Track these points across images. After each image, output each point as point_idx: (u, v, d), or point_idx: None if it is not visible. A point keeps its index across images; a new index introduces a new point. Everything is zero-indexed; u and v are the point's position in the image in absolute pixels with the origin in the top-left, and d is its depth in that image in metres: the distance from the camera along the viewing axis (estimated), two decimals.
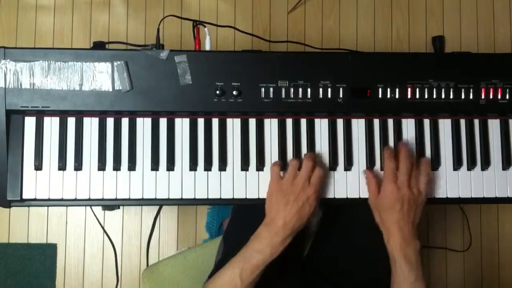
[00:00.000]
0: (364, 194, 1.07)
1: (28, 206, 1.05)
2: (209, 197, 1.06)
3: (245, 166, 1.06)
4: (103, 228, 1.56)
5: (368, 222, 1.11)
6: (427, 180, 1.02)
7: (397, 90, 1.06)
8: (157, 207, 1.62)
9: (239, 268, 0.97)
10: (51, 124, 1.04)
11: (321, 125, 1.08)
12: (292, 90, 1.05)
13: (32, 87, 1.00)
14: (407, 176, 1.00)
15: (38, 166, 1.03)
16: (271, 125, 1.08)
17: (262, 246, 0.97)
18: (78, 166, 1.03)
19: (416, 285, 0.97)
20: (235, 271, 0.97)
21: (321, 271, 1.19)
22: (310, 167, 1.00)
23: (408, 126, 1.10)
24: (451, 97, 1.07)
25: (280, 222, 0.97)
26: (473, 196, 1.09)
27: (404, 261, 0.97)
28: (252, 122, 1.08)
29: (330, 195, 1.07)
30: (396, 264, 0.98)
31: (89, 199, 1.04)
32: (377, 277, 1.13)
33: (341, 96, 1.06)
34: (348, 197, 1.07)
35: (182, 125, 1.07)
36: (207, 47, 1.14)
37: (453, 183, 1.09)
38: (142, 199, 1.05)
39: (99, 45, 1.14)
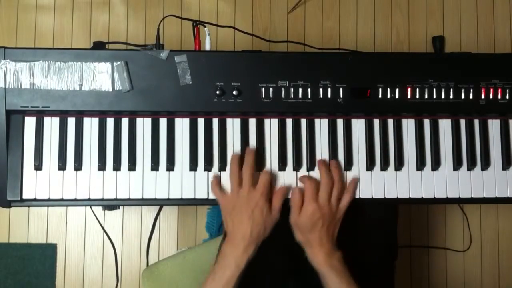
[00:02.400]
0: (364, 194, 1.07)
1: (28, 206, 1.05)
2: (209, 197, 1.06)
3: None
4: (103, 228, 1.56)
5: (368, 221, 1.11)
6: (351, 199, 1.04)
7: (397, 90, 1.07)
8: (157, 207, 1.62)
9: None
10: (51, 124, 1.04)
11: (321, 125, 1.08)
12: (292, 90, 1.05)
13: (32, 87, 1.00)
14: (327, 195, 1.02)
15: (38, 166, 1.03)
16: (271, 125, 1.08)
17: (227, 262, 0.98)
18: (78, 166, 1.03)
19: None
20: None
21: None
22: (250, 172, 1.01)
23: (408, 126, 1.10)
24: (451, 97, 1.07)
25: (237, 235, 0.99)
26: (473, 196, 1.09)
27: (331, 270, 0.99)
28: (252, 122, 1.08)
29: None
30: (326, 277, 1.00)
31: (89, 199, 1.04)
32: (378, 271, 1.14)
33: (341, 96, 1.06)
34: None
35: (182, 125, 1.07)
36: (207, 47, 1.15)
37: (453, 183, 1.09)
38: (142, 199, 1.05)
39: (99, 45, 1.14)
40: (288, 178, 1.07)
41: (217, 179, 1.04)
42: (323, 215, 1.01)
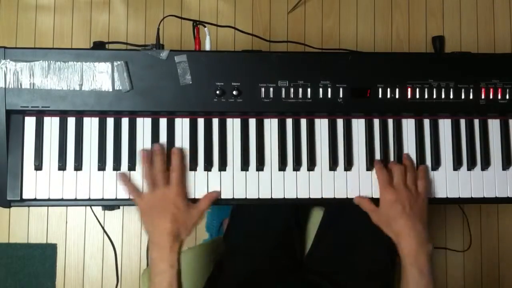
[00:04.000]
0: (364, 193, 1.07)
1: (28, 206, 1.05)
2: None
3: (245, 166, 1.06)
4: (103, 228, 1.56)
5: (368, 220, 1.11)
6: (426, 184, 1.02)
7: (397, 90, 1.06)
8: None
9: None
10: (51, 124, 1.04)
11: (321, 125, 1.08)
12: (292, 90, 1.05)
13: (32, 87, 1.00)
14: (402, 177, 1.00)
15: (38, 166, 1.03)
16: (271, 125, 1.08)
17: (160, 268, 0.95)
18: (78, 166, 1.03)
19: None
20: None
21: (322, 270, 1.19)
22: (162, 173, 0.99)
23: (408, 126, 1.10)
24: (451, 97, 1.07)
25: (160, 236, 0.96)
26: (473, 196, 1.09)
27: (415, 268, 0.95)
28: (252, 122, 1.08)
29: (330, 195, 1.07)
30: (407, 271, 0.96)
31: (89, 199, 1.04)
32: (378, 271, 1.14)
33: (341, 96, 1.06)
34: (348, 197, 1.07)
35: (182, 125, 1.07)
36: (207, 47, 1.14)
37: (453, 183, 1.09)
38: None
39: (99, 45, 1.14)
40: (288, 178, 1.07)
41: (129, 179, 1.02)
42: (402, 200, 0.98)
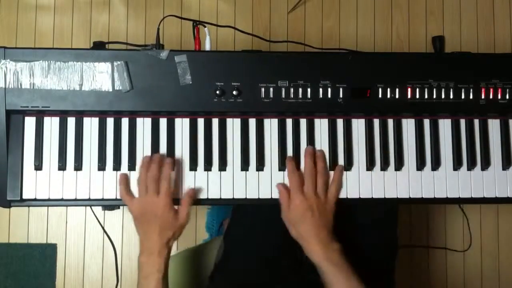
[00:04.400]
0: (364, 194, 1.07)
1: (28, 206, 1.05)
2: (209, 197, 1.06)
3: (245, 166, 1.06)
4: (103, 228, 1.55)
5: (368, 221, 1.11)
6: (337, 187, 1.04)
7: (397, 90, 1.06)
8: None
9: None
10: (51, 124, 1.04)
11: (321, 125, 1.08)
12: (292, 90, 1.05)
13: (32, 87, 1.00)
14: (312, 186, 1.02)
15: (38, 166, 1.03)
16: (271, 125, 1.08)
17: (147, 271, 0.99)
18: (78, 166, 1.03)
19: (349, 283, 0.97)
20: None
21: None
22: (154, 182, 1.00)
23: (408, 126, 1.10)
24: (451, 97, 1.07)
25: (148, 242, 1.00)
26: (473, 196, 1.10)
27: (329, 264, 0.98)
28: (252, 122, 1.08)
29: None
30: (323, 270, 0.99)
31: (89, 199, 1.04)
32: (378, 271, 1.14)
33: (341, 96, 1.06)
34: (348, 197, 1.07)
35: (182, 125, 1.07)
36: (207, 47, 1.14)
37: (453, 183, 1.09)
38: None
39: (99, 45, 1.14)
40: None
41: (126, 182, 1.03)
42: (310, 205, 1.00)
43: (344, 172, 1.07)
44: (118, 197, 1.04)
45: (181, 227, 1.02)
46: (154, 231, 0.99)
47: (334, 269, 0.98)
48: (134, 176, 1.04)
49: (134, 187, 1.04)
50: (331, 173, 1.06)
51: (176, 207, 1.01)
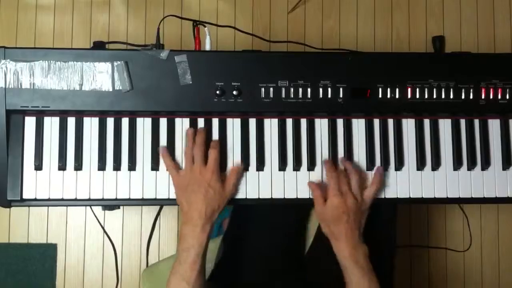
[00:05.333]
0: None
1: (28, 206, 1.05)
2: None
3: (245, 166, 1.06)
4: (103, 228, 1.55)
5: (368, 221, 1.11)
6: (375, 189, 1.05)
7: (397, 90, 1.07)
8: (157, 207, 1.62)
9: (179, 273, 0.98)
10: (51, 124, 1.04)
11: (321, 125, 1.08)
12: (292, 90, 1.05)
13: (32, 87, 1.00)
14: (347, 186, 1.02)
15: (38, 166, 1.03)
16: (271, 125, 1.08)
17: (188, 243, 0.99)
18: (78, 166, 1.03)
19: (370, 285, 0.99)
20: (177, 277, 0.99)
21: (322, 270, 1.19)
22: (201, 152, 1.02)
23: (408, 126, 1.10)
24: (451, 97, 1.07)
25: (193, 214, 0.99)
26: (473, 196, 1.10)
27: (355, 266, 0.99)
28: (252, 122, 1.08)
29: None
30: (348, 271, 1.00)
31: (89, 199, 1.04)
32: (377, 271, 1.14)
33: (341, 96, 1.06)
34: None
35: (182, 125, 1.07)
36: (207, 47, 1.14)
37: (453, 183, 1.09)
38: (142, 199, 1.05)
39: (99, 45, 1.14)
40: (288, 178, 1.07)
41: (169, 155, 1.04)
42: (347, 207, 1.01)
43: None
44: (118, 197, 1.04)
45: (226, 199, 1.02)
46: (201, 201, 0.99)
47: (359, 271, 0.99)
48: (134, 176, 1.04)
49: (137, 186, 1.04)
50: (368, 173, 1.08)
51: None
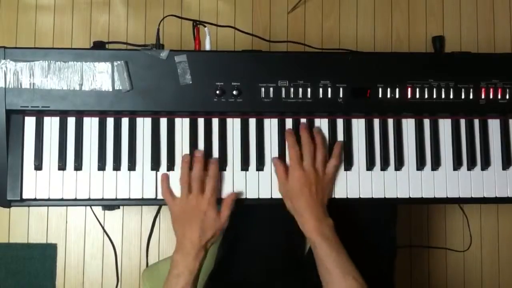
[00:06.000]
0: (364, 194, 1.07)
1: (28, 206, 1.05)
2: None
3: (245, 166, 1.06)
4: (103, 228, 1.56)
5: (368, 221, 1.11)
6: (337, 162, 1.04)
7: (397, 90, 1.07)
8: (157, 207, 1.62)
9: None
10: (51, 124, 1.04)
11: (321, 125, 1.08)
12: (292, 90, 1.05)
13: (32, 87, 1.00)
14: (311, 160, 1.02)
15: (38, 166, 1.03)
16: (271, 125, 1.08)
17: (179, 271, 0.98)
18: (78, 166, 1.03)
19: (339, 258, 0.98)
20: None
21: None
22: (199, 181, 1.01)
23: (408, 126, 1.10)
24: (451, 97, 1.07)
25: (187, 243, 0.99)
26: (473, 196, 1.10)
27: (322, 239, 0.98)
28: (252, 122, 1.08)
29: (330, 195, 1.06)
30: (316, 245, 0.99)
31: (89, 199, 1.04)
32: (377, 271, 1.14)
33: (341, 96, 1.06)
34: (348, 197, 1.07)
35: (182, 125, 1.07)
36: (207, 47, 1.14)
37: (453, 183, 1.09)
38: (142, 199, 1.05)
39: (99, 45, 1.14)
40: None
41: (167, 182, 1.04)
42: (309, 180, 1.01)
43: (344, 172, 1.07)
44: (118, 197, 1.04)
45: (220, 228, 1.02)
46: (195, 231, 0.99)
47: (326, 244, 0.98)
48: (134, 176, 1.04)
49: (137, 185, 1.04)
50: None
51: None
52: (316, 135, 1.05)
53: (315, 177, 1.01)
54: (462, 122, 1.11)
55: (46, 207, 1.80)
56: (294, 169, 1.02)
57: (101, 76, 1.01)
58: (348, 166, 1.07)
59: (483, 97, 1.08)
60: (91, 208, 1.50)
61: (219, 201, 1.04)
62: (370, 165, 1.08)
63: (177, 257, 1.00)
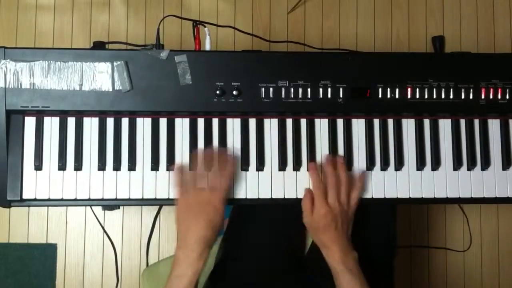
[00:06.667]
0: (364, 194, 1.07)
1: (28, 206, 1.05)
2: None
3: (245, 166, 1.06)
4: (103, 228, 1.56)
5: (368, 221, 1.11)
6: (359, 194, 1.04)
7: (397, 90, 1.07)
8: (157, 207, 1.62)
9: None
10: (51, 124, 1.04)
11: (321, 125, 1.08)
12: (292, 90, 1.05)
13: (32, 87, 1.00)
14: (336, 195, 1.02)
15: (38, 166, 1.03)
16: (271, 125, 1.08)
17: (182, 270, 0.94)
18: (78, 166, 1.03)
19: None
20: None
21: (321, 271, 1.19)
22: (214, 175, 1.00)
23: (408, 126, 1.10)
24: (451, 97, 1.07)
25: (191, 239, 0.95)
26: (473, 196, 1.09)
27: (346, 271, 0.99)
28: (252, 122, 1.08)
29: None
30: (340, 276, 1.00)
31: (89, 199, 1.04)
32: (377, 271, 1.14)
33: (341, 96, 1.06)
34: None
35: (182, 125, 1.07)
36: (207, 47, 1.14)
37: (453, 183, 1.09)
38: (142, 199, 1.05)
39: (99, 45, 1.14)
40: (288, 178, 1.07)
41: (180, 173, 1.01)
42: (335, 216, 1.01)
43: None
44: (118, 197, 1.04)
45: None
46: (201, 229, 0.95)
47: (350, 276, 0.99)
48: (134, 176, 1.04)
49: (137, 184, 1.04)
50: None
51: None
52: (340, 167, 1.04)
53: (340, 212, 1.01)
54: (462, 122, 1.11)
55: (46, 207, 1.80)
56: (319, 206, 1.01)
57: (101, 76, 1.01)
58: (348, 166, 1.07)
59: (483, 97, 1.08)
60: (91, 208, 1.51)
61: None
62: (370, 165, 1.08)
63: (179, 255, 0.95)
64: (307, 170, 1.06)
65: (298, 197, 1.06)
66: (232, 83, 1.04)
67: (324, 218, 1.01)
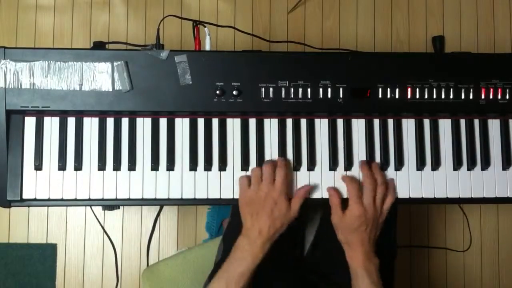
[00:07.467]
0: None
1: (28, 206, 1.05)
2: (209, 197, 1.06)
3: (245, 166, 1.06)
4: (103, 228, 1.55)
5: None
6: (392, 200, 1.05)
7: (397, 90, 1.07)
8: (157, 207, 1.62)
9: (224, 280, 0.99)
10: (51, 124, 1.04)
11: (321, 125, 1.08)
12: (292, 90, 1.05)
13: (32, 87, 1.00)
14: (372, 198, 1.02)
15: (38, 166, 1.03)
16: (271, 125, 1.08)
17: (243, 255, 0.99)
18: (78, 166, 1.03)
19: None
20: (221, 284, 0.99)
21: (320, 271, 1.19)
22: (270, 171, 1.01)
23: (408, 126, 1.10)
24: (451, 97, 1.07)
25: (255, 231, 0.99)
26: (473, 196, 1.09)
27: (367, 275, 1.00)
28: (252, 122, 1.08)
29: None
30: (359, 279, 1.01)
31: (89, 199, 1.04)
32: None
33: (341, 96, 1.06)
34: (348, 197, 1.07)
35: (182, 125, 1.07)
36: (207, 47, 1.15)
37: (453, 183, 1.09)
38: (142, 199, 1.05)
39: (99, 45, 1.14)
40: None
41: (248, 177, 1.04)
42: (367, 219, 1.01)
43: (344, 173, 1.07)
44: (118, 197, 1.04)
45: (289, 220, 1.02)
46: (265, 221, 0.99)
47: (369, 281, 1.00)
48: (134, 176, 1.04)
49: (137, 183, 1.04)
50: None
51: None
52: (376, 172, 1.05)
53: (373, 216, 1.02)
54: (462, 122, 1.11)
55: (46, 207, 1.80)
56: (354, 205, 1.01)
57: (101, 76, 1.01)
58: (348, 166, 1.07)
59: (483, 97, 1.08)
60: (91, 208, 1.50)
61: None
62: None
63: (243, 242, 1.00)
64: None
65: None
66: (232, 83, 1.04)
67: (358, 219, 1.01)
